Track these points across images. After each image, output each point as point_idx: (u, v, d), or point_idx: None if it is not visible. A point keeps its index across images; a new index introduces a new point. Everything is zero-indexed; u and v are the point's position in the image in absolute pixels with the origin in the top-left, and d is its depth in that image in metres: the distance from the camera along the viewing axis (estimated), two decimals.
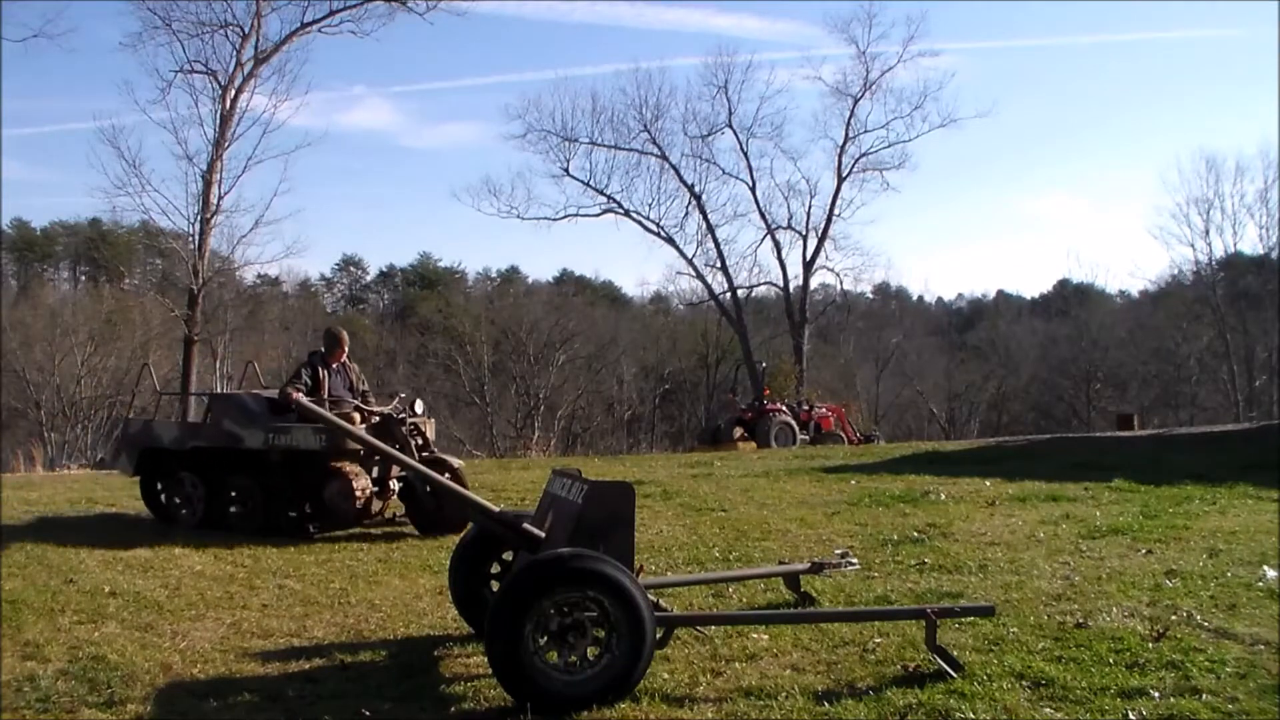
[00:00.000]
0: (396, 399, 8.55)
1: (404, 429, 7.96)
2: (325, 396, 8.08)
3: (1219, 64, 71.37)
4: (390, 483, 8.21)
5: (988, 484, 9.96)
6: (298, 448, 7.87)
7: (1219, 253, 37.57)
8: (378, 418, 8.04)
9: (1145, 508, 8.09)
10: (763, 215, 35.23)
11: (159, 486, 8.84)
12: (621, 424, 43.61)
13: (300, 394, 7.78)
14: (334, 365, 8.41)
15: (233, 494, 8.26)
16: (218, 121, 24.33)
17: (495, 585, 4.89)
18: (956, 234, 75.01)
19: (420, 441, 8.05)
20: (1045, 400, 44.41)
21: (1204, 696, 3.77)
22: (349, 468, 7.86)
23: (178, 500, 8.49)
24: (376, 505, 8.16)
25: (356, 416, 7.87)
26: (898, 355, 45.50)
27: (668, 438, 41.69)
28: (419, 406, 8.48)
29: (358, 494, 7.76)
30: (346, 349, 8.55)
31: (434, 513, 7.83)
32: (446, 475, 7.34)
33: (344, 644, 4.89)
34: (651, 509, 8.96)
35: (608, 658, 3.84)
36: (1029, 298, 58.91)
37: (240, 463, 8.17)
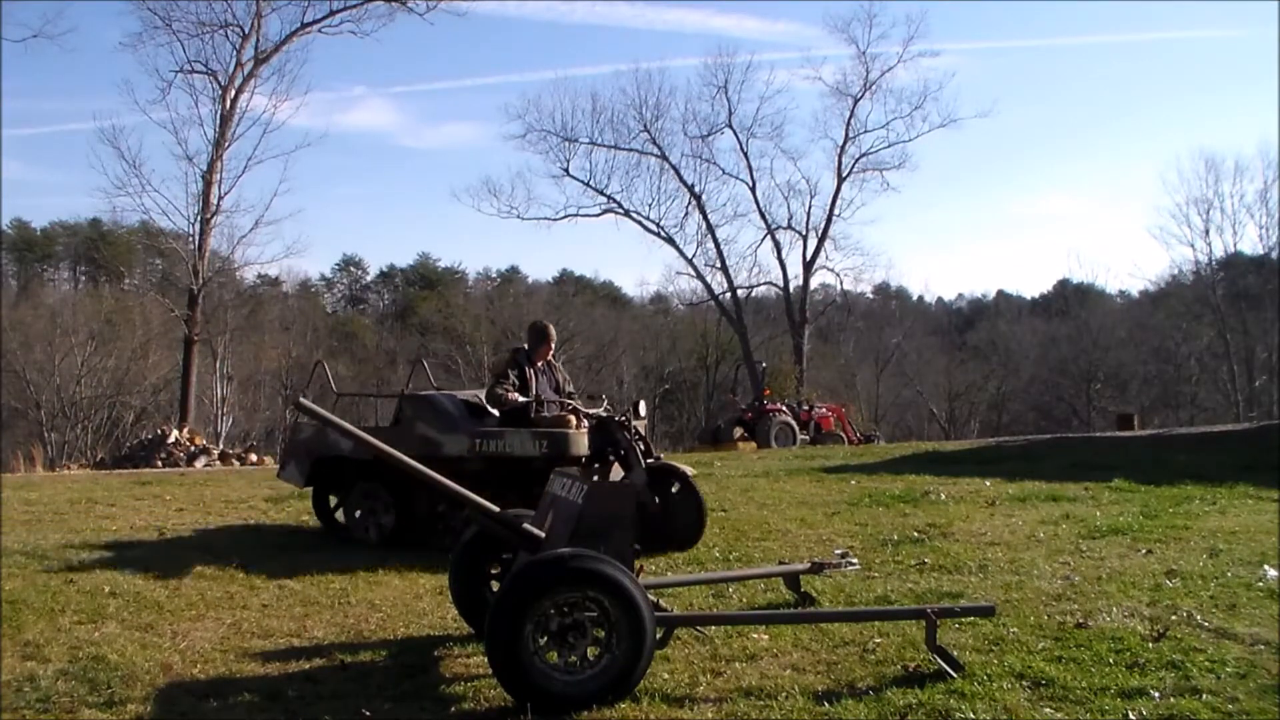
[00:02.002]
0: (612, 403, 7.84)
1: (627, 433, 7.09)
2: (534, 397, 7.36)
3: (1219, 64, 71.46)
4: None
5: (988, 484, 9.96)
6: (511, 454, 7.01)
7: (1219, 253, 37.66)
8: (595, 420, 7.24)
9: (1145, 508, 8.10)
10: (763, 215, 35.28)
11: (334, 500, 8.19)
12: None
13: (517, 396, 7.16)
14: (539, 363, 7.64)
15: (433, 508, 7.36)
16: (218, 121, 24.40)
17: (495, 585, 4.89)
18: (957, 234, 75.08)
19: (644, 447, 7.19)
20: (1045, 400, 44.40)
21: (1204, 696, 3.77)
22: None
23: (359, 515, 7.70)
24: None
25: (574, 419, 7.14)
26: (898, 355, 45.52)
27: (668, 438, 41.64)
28: (643, 409, 7.61)
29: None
30: (553, 345, 7.83)
31: (661, 526, 6.95)
32: (676, 485, 7.01)
33: (344, 644, 4.89)
34: None
35: (608, 658, 3.84)
36: (1029, 298, 58.93)
37: (439, 472, 7.42)
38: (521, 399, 7.13)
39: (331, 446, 7.61)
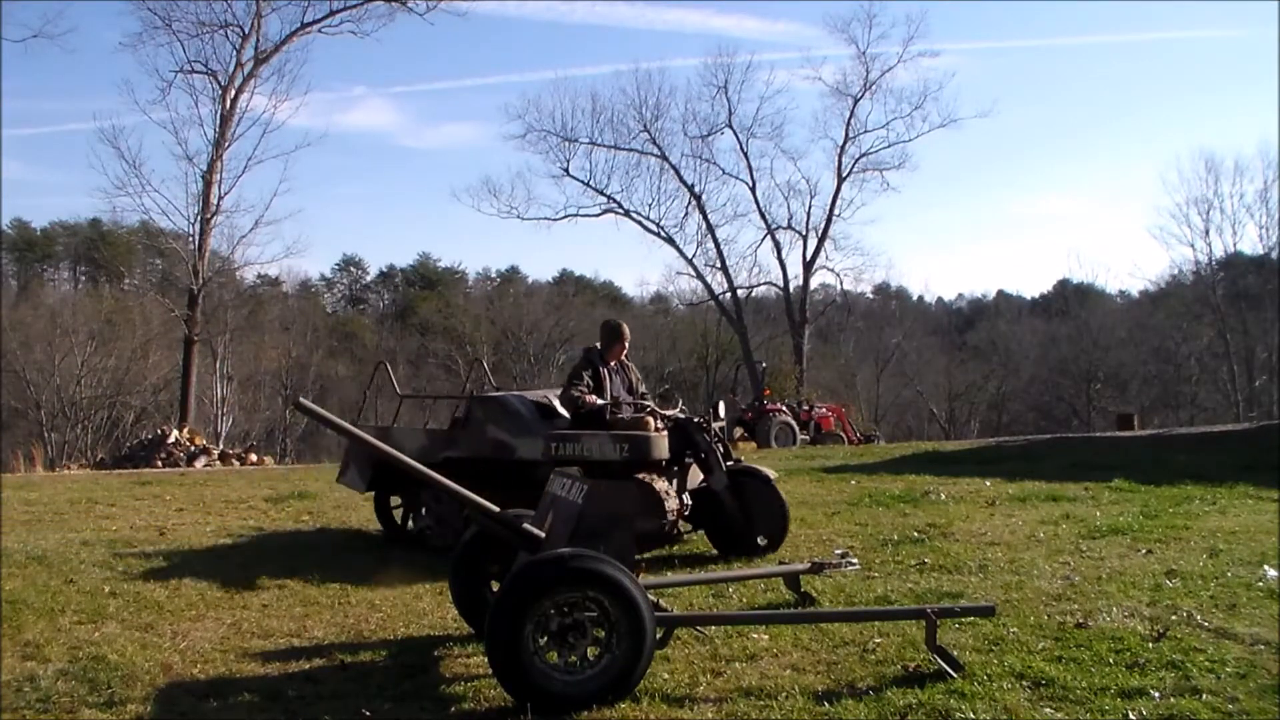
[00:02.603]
0: (678, 402, 7.48)
1: (706, 435, 6.80)
2: (612, 399, 7.07)
3: (1219, 64, 71.43)
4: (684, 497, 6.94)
5: (988, 484, 9.97)
6: (590, 458, 6.59)
7: (1219, 253, 37.65)
8: (673, 422, 6.89)
9: (1145, 508, 8.10)
10: (763, 215, 35.27)
11: (395, 504, 7.93)
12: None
13: (594, 398, 6.88)
14: (612, 363, 7.29)
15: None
16: (218, 122, 24.40)
17: (495, 585, 4.88)
18: (956, 234, 75.07)
19: (723, 449, 6.90)
20: (1045, 400, 44.40)
21: (1204, 696, 3.77)
22: (655, 481, 6.59)
23: (424, 520, 7.40)
24: (685, 526, 6.98)
25: (651, 421, 6.79)
26: (898, 355, 45.51)
27: None
28: (722, 409, 7.29)
29: (669, 512, 6.52)
30: (628, 344, 7.45)
31: (743, 531, 6.74)
32: (753, 487, 6.77)
33: (344, 644, 4.89)
34: None
35: (608, 658, 3.84)
36: (1029, 298, 58.92)
37: (506, 477, 6.88)
38: (600, 401, 6.87)
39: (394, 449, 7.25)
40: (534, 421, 6.96)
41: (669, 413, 6.98)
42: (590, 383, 7.01)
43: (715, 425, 6.94)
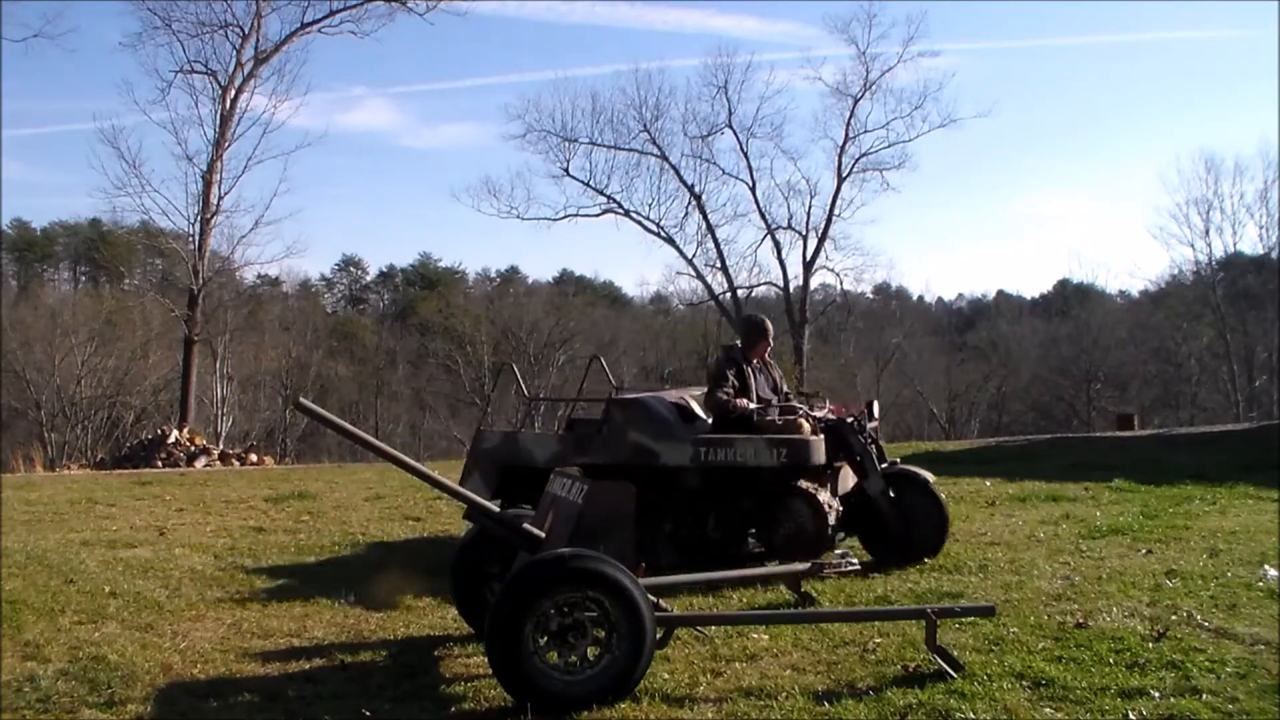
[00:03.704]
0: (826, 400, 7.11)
1: (861, 437, 6.47)
2: (764, 402, 6.68)
3: (1219, 64, 71.27)
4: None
5: (988, 484, 9.97)
6: (744, 464, 6.24)
7: (1219, 253, 37.57)
8: (827, 424, 6.54)
9: (1145, 508, 8.10)
10: (763, 215, 35.21)
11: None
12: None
13: (745, 401, 6.52)
14: (755, 362, 6.90)
15: (657, 521, 6.48)
16: (218, 122, 24.37)
17: (496, 585, 4.88)
18: (957, 234, 74.93)
19: (878, 451, 6.56)
20: (1045, 400, 44.38)
21: (1204, 696, 3.77)
22: (813, 488, 6.27)
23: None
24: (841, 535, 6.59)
25: (805, 424, 6.45)
26: (898, 355, 45.50)
27: None
28: (876, 409, 6.90)
29: (830, 520, 6.24)
30: (771, 341, 7.07)
31: (901, 537, 6.39)
32: (910, 490, 6.48)
33: (344, 644, 4.89)
34: None
35: (608, 658, 3.84)
36: (1029, 298, 58.85)
37: (647, 484, 6.18)
38: (752, 405, 6.50)
39: (523, 456, 6.78)
40: (678, 425, 6.51)
41: (821, 414, 6.65)
42: (735, 383, 6.61)
43: (870, 426, 6.62)
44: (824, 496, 6.23)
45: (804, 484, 6.25)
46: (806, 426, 6.42)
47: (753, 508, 6.43)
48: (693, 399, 6.77)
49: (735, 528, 6.58)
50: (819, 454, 6.26)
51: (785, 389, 6.97)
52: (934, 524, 6.44)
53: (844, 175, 34.56)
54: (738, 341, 6.99)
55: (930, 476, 6.57)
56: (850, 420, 6.51)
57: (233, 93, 24.58)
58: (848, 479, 6.50)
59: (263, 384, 38.12)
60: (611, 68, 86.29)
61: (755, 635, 4.70)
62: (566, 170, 34.31)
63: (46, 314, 35.85)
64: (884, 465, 6.48)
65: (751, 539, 6.58)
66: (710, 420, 6.62)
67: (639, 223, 34.83)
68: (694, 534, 6.46)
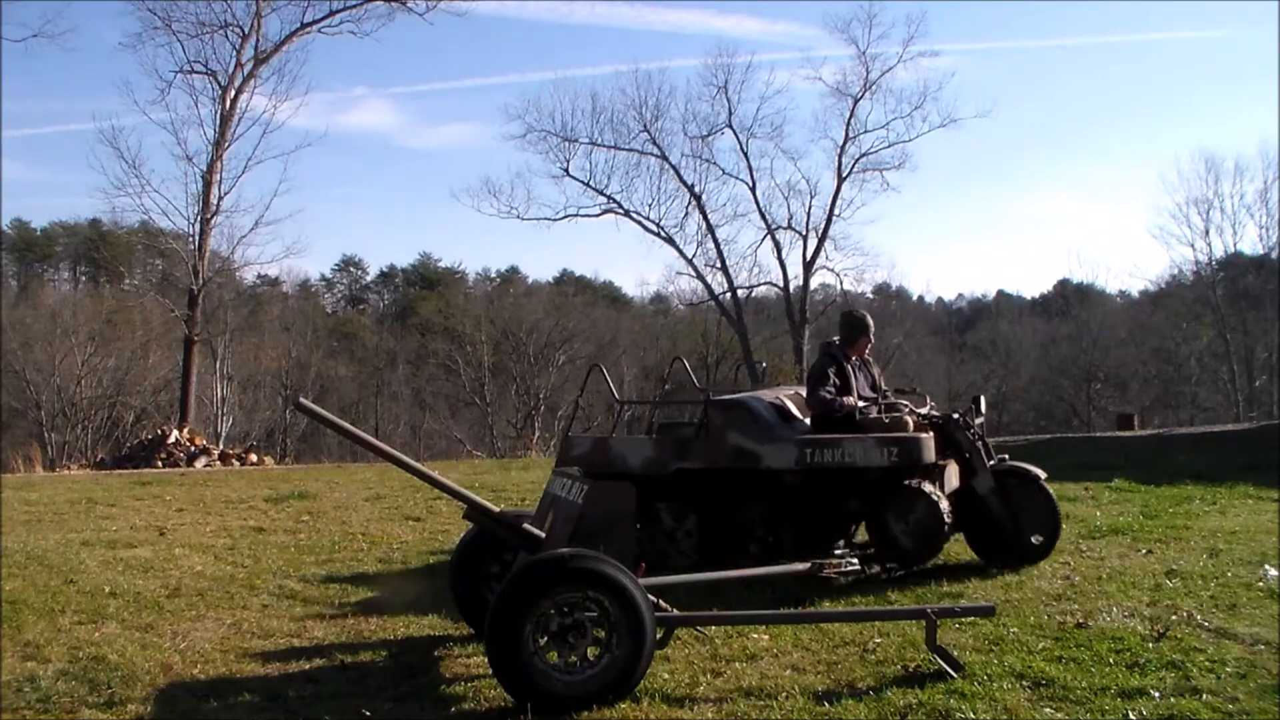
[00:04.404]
0: (924, 398, 6.90)
1: (969, 434, 6.30)
2: (872, 400, 6.48)
3: (1219, 64, 71.25)
4: None
5: None
6: (853, 464, 6.04)
7: (1219, 253, 37.56)
8: (933, 421, 6.36)
9: (1145, 508, 8.10)
10: (763, 215, 35.20)
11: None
12: (622, 424, 43.58)
13: (850, 399, 6.31)
14: (854, 359, 6.68)
15: (750, 525, 6.35)
16: (218, 122, 24.34)
17: (496, 585, 4.88)
18: (957, 234, 74.91)
19: (985, 448, 6.36)
20: (1045, 400, 44.38)
21: (1204, 696, 3.77)
22: (928, 488, 6.01)
23: (657, 538, 6.43)
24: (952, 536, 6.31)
25: (910, 421, 6.25)
26: (898, 355, 45.50)
27: None
28: (983, 405, 6.69)
29: (946, 521, 5.99)
30: (872, 338, 6.83)
31: (1011, 535, 6.19)
32: (1020, 487, 6.27)
33: (344, 644, 4.89)
34: None
35: (608, 658, 3.84)
36: (1029, 298, 58.84)
37: (748, 487, 6.33)
38: (860, 403, 6.32)
39: (614, 462, 6.46)
40: (779, 426, 6.27)
41: (925, 411, 6.48)
42: (837, 381, 6.39)
43: (976, 422, 6.43)
44: (937, 495, 6.01)
45: (915, 483, 6.02)
46: (910, 424, 6.23)
47: (858, 509, 6.26)
48: (787, 399, 6.54)
49: (840, 530, 6.44)
50: (930, 452, 6.08)
51: (884, 386, 6.80)
52: (1045, 523, 6.25)
53: (844, 175, 34.57)
54: (835, 338, 6.77)
55: (1041, 473, 6.35)
56: (956, 416, 6.37)
57: (233, 93, 24.57)
58: (951, 477, 6.28)
59: (263, 384, 38.09)
60: (611, 68, 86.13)
61: (755, 635, 4.70)
62: (566, 170, 34.29)
63: (46, 314, 35.84)
64: (992, 462, 6.29)
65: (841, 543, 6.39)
66: (808, 420, 6.41)
67: (639, 223, 34.82)
68: (796, 537, 6.24)
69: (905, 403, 6.49)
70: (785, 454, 6.09)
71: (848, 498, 6.23)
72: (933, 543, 6.01)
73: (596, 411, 42.85)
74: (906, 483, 6.02)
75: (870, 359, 6.86)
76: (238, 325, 35.35)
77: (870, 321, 6.79)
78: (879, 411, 6.32)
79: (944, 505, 5.98)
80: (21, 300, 40.47)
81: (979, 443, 6.29)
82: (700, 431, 6.35)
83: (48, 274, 56.29)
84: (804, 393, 6.59)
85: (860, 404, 6.32)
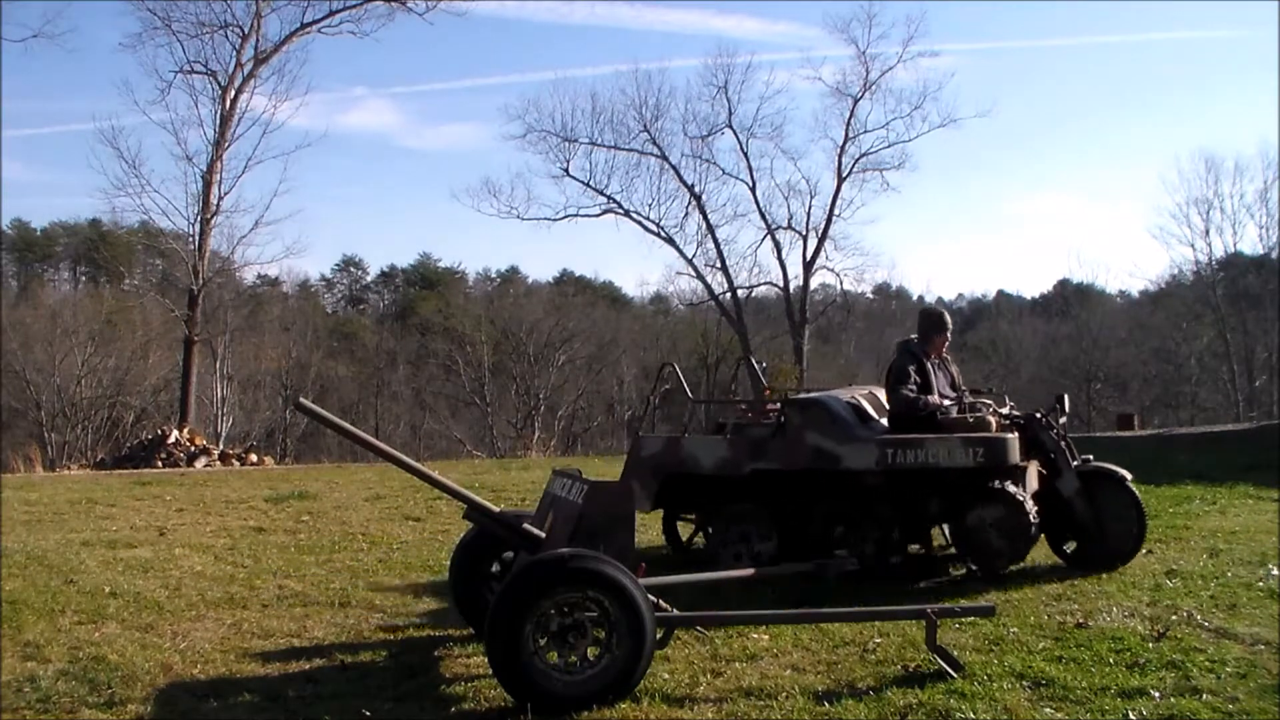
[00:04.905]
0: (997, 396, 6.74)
1: (1053, 434, 6.17)
2: (956, 399, 6.37)
3: (1219, 64, 71.20)
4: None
5: None
6: (937, 465, 5.88)
7: (1219, 253, 37.56)
8: (1015, 420, 6.23)
9: (1145, 507, 8.09)
10: (763, 215, 35.18)
11: (678, 521, 7.03)
12: (622, 424, 43.56)
13: (937, 398, 6.20)
14: (933, 358, 6.50)
15: (828, 529, 6.19)
16: (218, 122, 24.33)
17: (495, 585, 4.88)
18: (957, 234, 74.91)
19: (1069, 448, 6.21)
20: (1045, 400, 44.32)
21: (1204, 696, 3.77)
22: (1012, 489, 5.86)
23: (730, 542, 6.28)
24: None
25: (993, 421, 6.10)
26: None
27: None
28: (1067, 404, 6.46)
29: (1033, 522, 5.84)
30: (950, 335, 6.65)
31: (1096, 538, 6.05)
32: (1106, 489, 6.10)
33: (344, 644, 4.89)
34: None
35: (608, 658, 3.84)
36: (1029, 298, 58.83)
37: (826, 489, 6.17)
38: (945, 402, 6.21)
39: (686, 463, 6.39)
40: (858, 426, 6.15)
41: (1007, 410, 6.35)
42: (918, 380, 6.25)
43: (1059, 422, 6.27)
44: (1022, 495, 5.85)
45: (999, 484, 5.86)
46: (994, 422, 6.09)
47: (938, 511, 6.13)
48: (863, 398, 6.40)
49: (918, 532, 6.39)
50: (1016, 452, 5.94)
51: (962, 385, 6.69)
52: (1131, 526, 6.07)
53: (844, 175, 34.53)
54: (913, 336, 6.60)
55: (1127, 474, 6.18)
56: (1039, 416, 6.23)
57: (232, 93, 24.56)
58: (1031, 479, 6.15)
59: (263, 384, 38.09)
60: (611, 68, 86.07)
61: (755, 635, 4.70)
62: (566, 170, 34.29)
63: (46, 314, 35.84)
64: (1076, 463, 6.15)
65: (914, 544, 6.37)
66: (882, 420, 6.29)
67: (639, 223, 34.81)
68: (875, 540, 6.10)
69: (988, 401, 6.37)
70: (866, 454, 5.95)
71: (929, 499, 6.07)
72: (1020, 545, 5.84)
73: (596, 412, 42.94)
74: (990, 484, 5.85)
75: (948, 357, 6.71)
76: (238, 325, 35.34)
77: (948, 319, 6.64)
78: (959, 411, 6.18)
79: (1030, 506, 5.83)
80: (21, 300, 40.48)
81: (1062, 443, 6.15)
82: (777, 431, 6.21)
83: (48, 274, 56.29)
84: (878, 392, 6.46)
85: (946, 402, 6.20)
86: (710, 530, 6.63)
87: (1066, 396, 6.49)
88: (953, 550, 6.42)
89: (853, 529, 6.12)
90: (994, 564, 5.90)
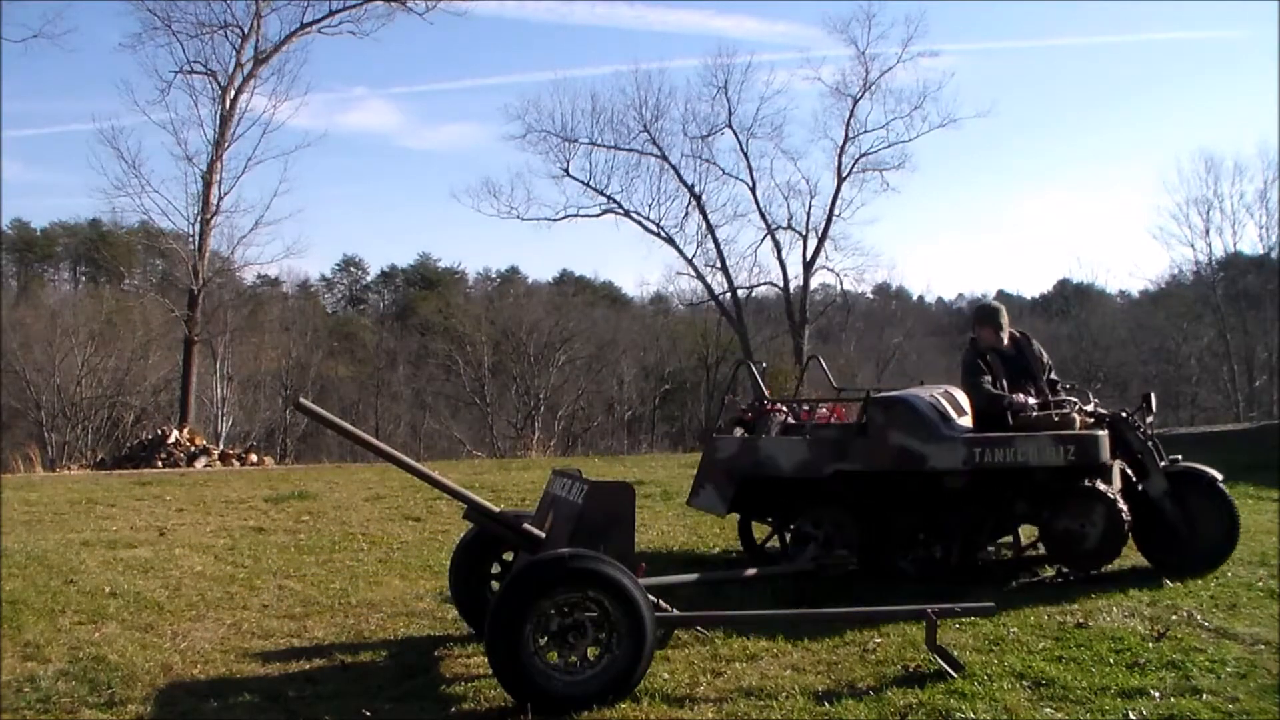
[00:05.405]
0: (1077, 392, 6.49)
1: (1140, 433, 6.01)
2: (1048, 396, 6.23)
3: (1219, 64, 71.23)
4: None
5: None
6: (1027, 464, 5.70)
7: (1219, 253, 37.58)
8: (1100, 419, 6.05)
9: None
10: (763, 215, 35.20)
11: (753, 523, 6.82)
12: (622, 424, 43.58)
13: (1024, 395, 6.07)
14: (997, 350, 6.38)
15: (911, 532, 6.04)
16: (217, 122, 24.34)
17: (495, 585, 4.89)
18: (957, 234, 74.93)
19: (1156, 448, 6.06)
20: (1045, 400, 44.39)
21: (1204, 696, 3.77)
22: (1103, 487, 5.70)
23: (812, 547, 5.97)
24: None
25: (1078, 419, 5.93)
26: (898, 355, 45.49)
27: (668, 438, 41.64)
28: (1154, 403, 6.34)
29: (1126, 521, 5.68)
30: (1003, 326, 6.45)
31: (1186, 541, 5.87)
32: (1196, 490, 5.97)
33: (344, 644, 4.89)
34: (651, 509, 8.96)
35: (608, 658, 3.84)
36: (1029, 298, 58.84)
37: (911, 489, 5.96)
38: (1033, 400, 6.06)
39: (764, 466, 6.17)
40: (944, 425, 5.88)
41: (1091, 408, 6.14)
42: (990, 376, 6.16)
43: (1147, 421, 6.13)
44: (1114, 494, 5.69)
45: (1090, 482, 5.69)
46: (1078, 419, 5.91)
47: (1025, 511, 5.97)
48: (940, 396, 6.14)
49: (1004, 533, 6.29)
50: (1107, 450, 5.80)
51: (1052, 376, 6.52)
52: (1223, 528, 5.89)
53: (844, 175, 34.55)
54: (971, 334, 6.54)
55: (1218, 475, 6.04)
56: (1125, 414, 6.07)
57: (232, 93, 24.56)
58: (1117, 479, 5.97)
59: (263, 384, 38.10)
60: (611, 68, 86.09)
61: (755, 635, 4.70)
62: (566, 170, 34.30)
63: (46, 314, 35.86)
64: (1163, 463, 6.00)
65: (993, 546, 6.27)
66: (962, 419, 6.07)
67: (639, 223, 34.83)
68: (961, 542, 5.95)
69: (1073, 399, 6.19)
70: (953, 454, 5.72)
71: (1015, 499, 5.91)
72: (1112, 546, 5.69)
73: (596, 412, 42.92)
74: (1082, 483, 5.69)
75: (1041, 351, 6.58)
76: (238, 325, 35.32)
77: (990, 311, 6.51)
78: (1042, 409, 6.00)
79: (1122, 505, 5.68)
80: (21, 300, 40.49)
81: (1150, 443, 6.01)
82: (860, 431, 5.99)
83: (48, 274, 56.30)
84: (954, 391, 6.29)
85: (1033, 400, 6.06)
86: (790, 534, 6.41)
87: (1153, 395, 6.35)
88: (1035, 551, 6.31)
89: (936, 530, 5.97)
90: (1086, 565, 5.76)
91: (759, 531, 6.86)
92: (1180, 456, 6.20)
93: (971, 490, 5.87)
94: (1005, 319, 6.46)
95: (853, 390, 7.35)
